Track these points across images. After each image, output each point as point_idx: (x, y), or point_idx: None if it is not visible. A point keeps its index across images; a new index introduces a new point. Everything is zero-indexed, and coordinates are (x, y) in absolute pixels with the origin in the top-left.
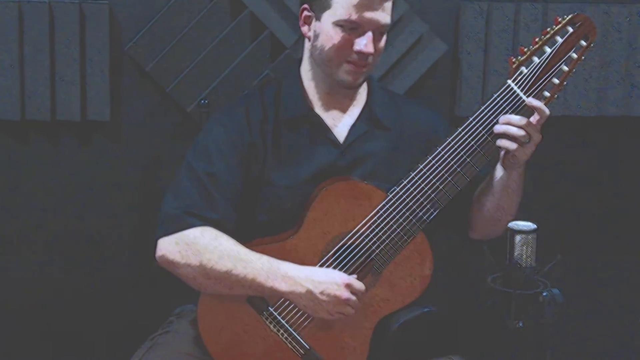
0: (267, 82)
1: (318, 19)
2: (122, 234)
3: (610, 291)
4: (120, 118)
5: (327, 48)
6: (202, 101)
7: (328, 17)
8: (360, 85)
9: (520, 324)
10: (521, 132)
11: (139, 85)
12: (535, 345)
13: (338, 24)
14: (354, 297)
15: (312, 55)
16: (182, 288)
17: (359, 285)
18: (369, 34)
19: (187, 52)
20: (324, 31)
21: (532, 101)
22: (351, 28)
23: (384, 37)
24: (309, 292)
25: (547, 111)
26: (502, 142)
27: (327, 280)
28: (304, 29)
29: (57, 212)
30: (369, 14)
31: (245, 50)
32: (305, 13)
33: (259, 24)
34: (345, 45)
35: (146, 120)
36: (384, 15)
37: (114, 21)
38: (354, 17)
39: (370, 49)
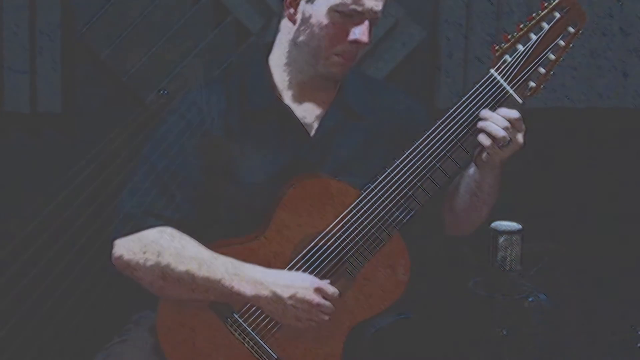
0: (231, 71)
1: (310, 1)
2: (75, 235)
3: (602, 296)
4: (73, 109)
5: (318, 35)
6: (162, 91)
7: (324, 0)
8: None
9: (505, 332)
10: (501, 132)
11: (94, 74)
12: (520, 354)
13: (336, 9)
14: (326, 303)
15: (294, 40)
16: (140, 292)
17: (331, 289)
18: (367, 23)
19: (145, 39)
20: (317, 16)
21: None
22: (348, 15)
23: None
24: (277, 297)
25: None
26: (479, 137)
27: (296, 284)
28: (290, 11)
29: (4, 210)
30: (370, 2)
31: (208, 36)
32: None
33: (222, 8)
34: (339, 34)
35: (101, 112)
36: (380, 4)
37: (66, 5)
38: (355, 3)
39: (366, 39)
